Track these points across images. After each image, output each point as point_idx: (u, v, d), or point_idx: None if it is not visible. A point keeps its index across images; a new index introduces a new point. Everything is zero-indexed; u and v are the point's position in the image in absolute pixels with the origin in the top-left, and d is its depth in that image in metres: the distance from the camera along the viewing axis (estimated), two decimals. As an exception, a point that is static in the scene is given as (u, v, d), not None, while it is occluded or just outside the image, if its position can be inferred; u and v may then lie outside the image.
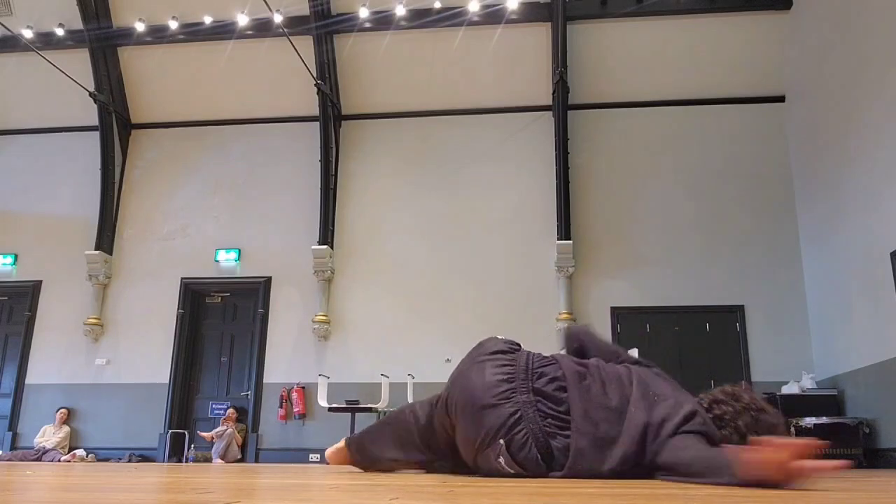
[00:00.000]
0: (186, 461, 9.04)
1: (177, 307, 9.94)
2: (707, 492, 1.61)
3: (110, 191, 10.29)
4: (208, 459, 8.85)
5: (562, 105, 9.52)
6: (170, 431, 9.39)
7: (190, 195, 10.43)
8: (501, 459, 2.21)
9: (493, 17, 9.59)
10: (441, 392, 2.56)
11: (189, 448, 9.19)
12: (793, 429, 7.63)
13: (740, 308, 9.01)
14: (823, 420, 7.46)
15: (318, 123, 9.98)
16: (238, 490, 1.59)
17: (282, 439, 9.29)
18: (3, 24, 9.13)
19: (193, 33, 10.01)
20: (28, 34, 10.05)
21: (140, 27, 10.03)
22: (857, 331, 7.69)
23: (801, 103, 9.17)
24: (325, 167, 9.94)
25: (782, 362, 8.68)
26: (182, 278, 10.05)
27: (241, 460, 9.04)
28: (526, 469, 2.20)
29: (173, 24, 9.93)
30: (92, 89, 10.09)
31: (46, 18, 10.23)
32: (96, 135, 10.31)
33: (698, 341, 9.01)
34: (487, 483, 1.97)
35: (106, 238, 10.12)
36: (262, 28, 9.87)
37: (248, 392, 9.58)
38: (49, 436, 9.33)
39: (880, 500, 1.35)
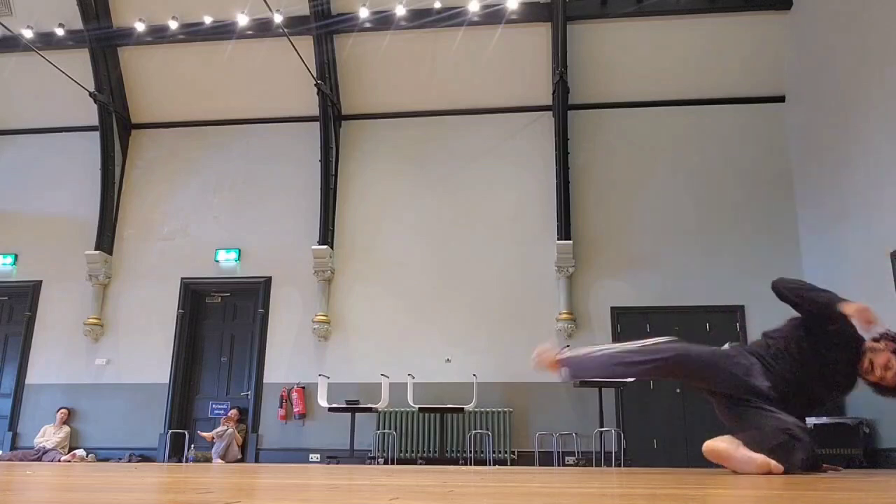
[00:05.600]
0: (186, 461, 9.04)
1: (177, 307, 9.94)
2: (706, 492, 1.61)
3: (110, 191, 10.29)
4: (208, 459, 8.85)
5: (562, 105, 9.52)
6: (170, 431, 9.39)
7: (190, 195, 10.43)
8: None
9: (493, 17, 9.59)
10: None
11: (189, 448, 9.19)
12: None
13: (740, 308, 9.01)
14: (824, 420, 7.45)
15: (318, 123, 9.98)
16: (238, 490, 1.59)
17: (282, 439, 9.29)
18: (3, 24, 9.14)
19: (193, 33, 10.00)
20: (28, 34, 10.05)
21: (140, 27, 10.03)
22: (857, 331, 7.69)
23: (801, 103, 9.17)
24: (325, 167, 9.94)
25: (782, 362, 8.67)
26: (182, 278, 10.05)
27: (241, 460, 9.05)
28: None
29: (173, 24, 9.93)
30: (92, 89, 10.09)
31: (46, 18, 10.23)
32: (96, 135, 10.30)
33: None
34: (487, 483, 1.97)
35: (106, 238, 10.12)
36: (262, 28, 9.86)
37: (248, 392, 9.58)
38: (49, 436, 9.33)
39: (880, 500, 1.35)
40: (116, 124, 10.47)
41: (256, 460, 9.22)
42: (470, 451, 8.70)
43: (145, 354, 9.79)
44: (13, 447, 9.56)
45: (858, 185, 7.63)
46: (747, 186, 9.44)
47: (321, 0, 9.65)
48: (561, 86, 9.46)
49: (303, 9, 9.65)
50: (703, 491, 1.64)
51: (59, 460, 8.78)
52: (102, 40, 10.13)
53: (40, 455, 9.04)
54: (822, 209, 8.54)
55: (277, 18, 9.09)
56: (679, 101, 9.85)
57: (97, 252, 9.94)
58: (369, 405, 8.37)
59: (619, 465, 7.91)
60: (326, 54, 9.89)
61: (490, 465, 8.38)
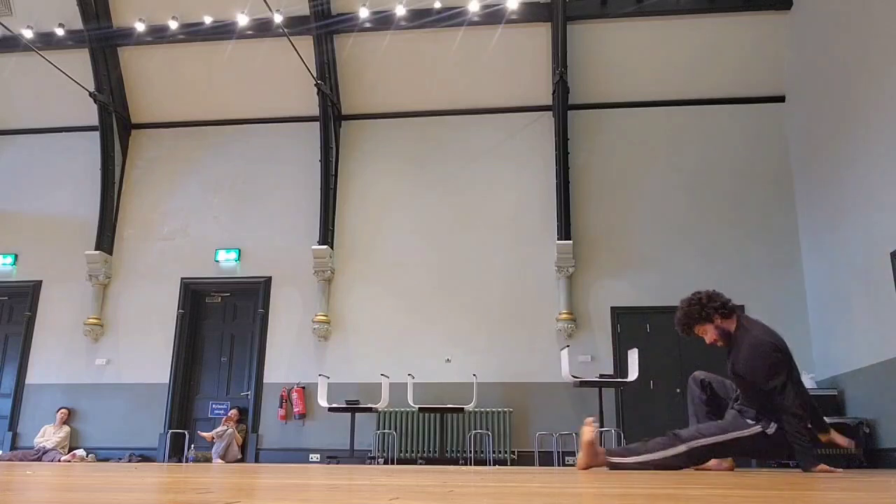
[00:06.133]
0: (186, 461, 9.04)
1: (177, 307, 9.94)
2: (707, 492, 1.61)
3: (110, 191, 10.29)
4: (208, 459, 8.86)
5: (562, 105, 9.52)
6: (170, 431, 9.39)
7: (190, 195, 10.43)
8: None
9: (493, 17, 9.59)
10: None
11: (189, 448, 9.20)
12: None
13: (740, 308, 8.98)
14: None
15: (318, 123, 9.98)
16: (238, 490, 1.59)
17: (282, 439, 9.29)
18: (3, 24, 9.14)
19: (193, 33, 10.00)
20: (28, 34, 10.05)
21: (140, 27, 10.03)
22: (857, 331, 7.70)
23: (801, 103, 9.17)
24: (325, 167, 9.94)
25: (782, 362, 8.67)
26: (182, 278, 10.05)
27: (241, 460, 9.05)
28: None
29: (173, 24, 9.93)
30: (92, 89, 10.09)
31: (46, 18, 10.23)
32: (96, 135, 10.31)
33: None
34: (487, 483, 1.97)
35: (106, 238, 10.12)
36: (262, 28, 9.86)
37: (248, 392, 9.58)
38: (49, 436, 9.33)
39: (880, 500, 1.35)
40: (116, 124, 10.47)
41: (256, 460, 9.22)
42: (470, 451, 8.70)
43: (145, 354, 9.79)
44: (13, 447, 9.56)
45: (858, 185, 7.63)
46: (747, 186, 9.44)
47: (321, 0, 9.66)
48: (561, 86, 9.46)
49: (303, 9, 9.65)
50: (703, 491, 1.64)
51: (59, 460, 8.78)
52: (102, 40, 10.13)
53: (40, 455, 9.04)
54: (822, 209, 8.54)
55: (277, 18, 9.09)
56: (679, 101, 9.85)
57: (97, 252, 9.94)
58: (369, 405, 8.37)
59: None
60: (326, 54, 9.89)
61: (490, 465, 8.38)
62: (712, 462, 4.05)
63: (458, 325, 9.32)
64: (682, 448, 3.79)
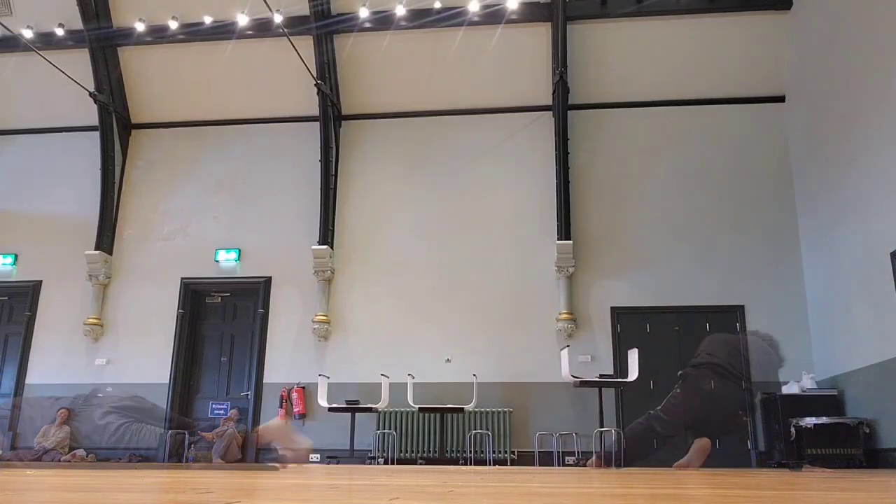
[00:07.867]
0: (186, 461, 9.04)
1: (177, 307, 9.94)
2: (707, 492, 1.61)
3: (110, 191, 10.29)
4: (208, 459, 8.86)
5: (562, 105, 9.52)
6: (170, 431, 9.39)
7: (190, 195, 10.43)
8: None
9: (493, 17, 9.59)
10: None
11: (189, 448, 9.19)
12: (793, 429, 7.64)
13: (740, 308, 9.01)
14: (823, 420, 7.46)
15: (318, 123, 9.98)
16: (238, 490, 1.60)
17: (282, 439, 9.28)
18: (3, 24, 9.14)
19: (193, 33, 10.00)
20: (28, 34, 10.05)
21: (140, 27, 10.03)
22: (857, 331, 7.70)
23: (801, 103, 9.17)
24: (325, 167, 9.94)
25: (782, 362, 8.68)
26: (182, 278, 10.05)
27: (242, 460, 9.05)
28: None
29: (173, 24, 9.93)
30: (92, 89, 10.09)
31: (46, 18, 10.23)
32: (96, 135, 10.31)
33: (698, 341, 8.99)
34: (487, 483, 1.97)
35: (106, 238, 10.12)
36: (262, 28, 9.86)
37: (248, 392, 9.58)
38: (49, 436, 9.33)
39: (880, 500, 1.35)
40: (116, 124, 10.47)
41: (256, 460, 9.22)
42: (470, 451, 8.70)
43: (145, 354, 9.78)
44: (13, 447, 9.55)
45: (858, 184, 7.63)
46: (747, 186, 9.44)
47: (321, 0, 9.66)
48: (561, 86, 9.46)
49: (303, 9, 9.65)
50: (703, 491, 1.64)
51: (60, 460, 8.78)
52: (102, 40, 10.13)
53: (40, 455, 9.04)
54: (822, 209, 8.54)
55: (277, 18, 9.09)
56: (679, 101, 9.85)
57: (97, 252, 9.94)
58: (369, 405, 8.37)
59: (619, 466, 7.91)
60: (326, 54, 9.89)
61: (490, 465, 8.39)
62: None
63: (458, 325, 9.32)
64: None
